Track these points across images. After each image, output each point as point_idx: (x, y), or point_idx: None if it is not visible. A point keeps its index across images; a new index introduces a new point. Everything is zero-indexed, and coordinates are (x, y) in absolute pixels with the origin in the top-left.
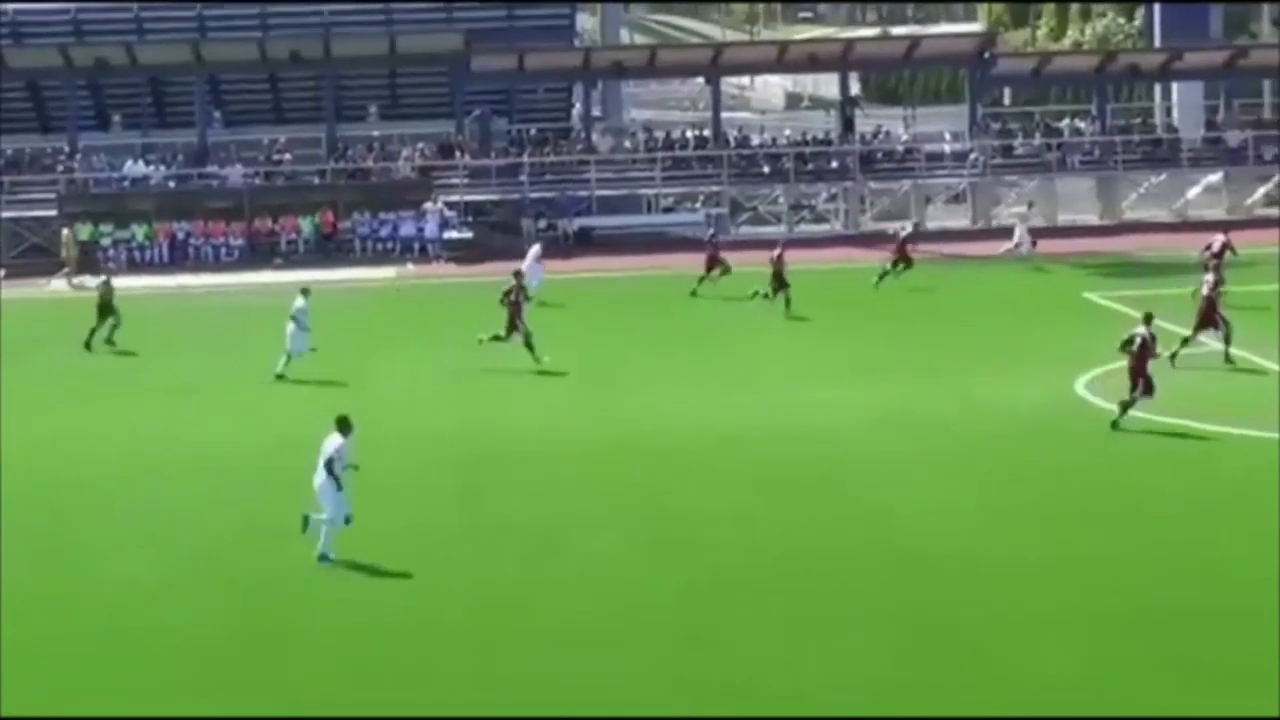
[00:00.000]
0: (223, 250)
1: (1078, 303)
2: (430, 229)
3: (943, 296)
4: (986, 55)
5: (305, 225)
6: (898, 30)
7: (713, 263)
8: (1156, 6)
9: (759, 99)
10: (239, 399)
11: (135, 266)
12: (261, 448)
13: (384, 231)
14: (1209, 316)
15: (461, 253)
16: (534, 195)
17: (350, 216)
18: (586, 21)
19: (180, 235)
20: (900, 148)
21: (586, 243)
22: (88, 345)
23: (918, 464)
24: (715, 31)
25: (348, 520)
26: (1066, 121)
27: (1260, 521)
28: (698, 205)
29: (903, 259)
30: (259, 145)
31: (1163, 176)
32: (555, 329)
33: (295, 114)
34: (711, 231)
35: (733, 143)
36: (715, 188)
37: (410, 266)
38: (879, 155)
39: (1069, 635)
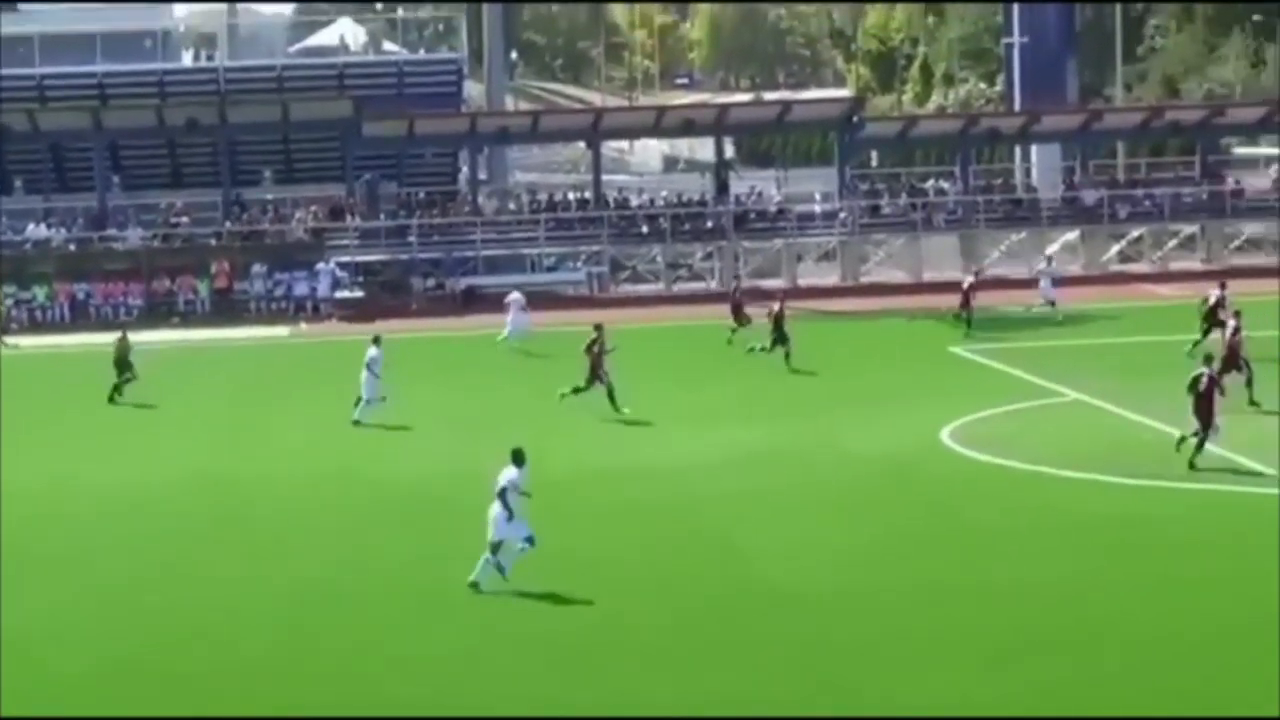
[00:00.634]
0: (122, 309)
1: (943, 356)
2: (322, 288)
3: (816, 348)
4: (855, 119)
5: (201, 286)
6: (770, 96)
7: (738, 312)
8: (1016, 71)
9: (638, 162)
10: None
11: (36, 326)
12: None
13: (278, 291)
14: (1233, 360)
15: (352, 311)
16: (422, 255)
17: (246, 276)
18: (473, 89)
19: (80, 295)
20: (773, 208)
21: (473, 301)
22: (111, 399)
23: (785, 502)
24: (596, 98)
25: (530, 541)
26: (931, 182)
27: (1102, 557)
28: (579, 264)
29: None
30: (157, 208)
31: (1022, 235)
32: (447, 382)
33: (192, 178)
34: (735, 284)
35: (613, 204)
36: (596, 247)
37: (303, 325)
38: (752, 215)
39: (930, 665)
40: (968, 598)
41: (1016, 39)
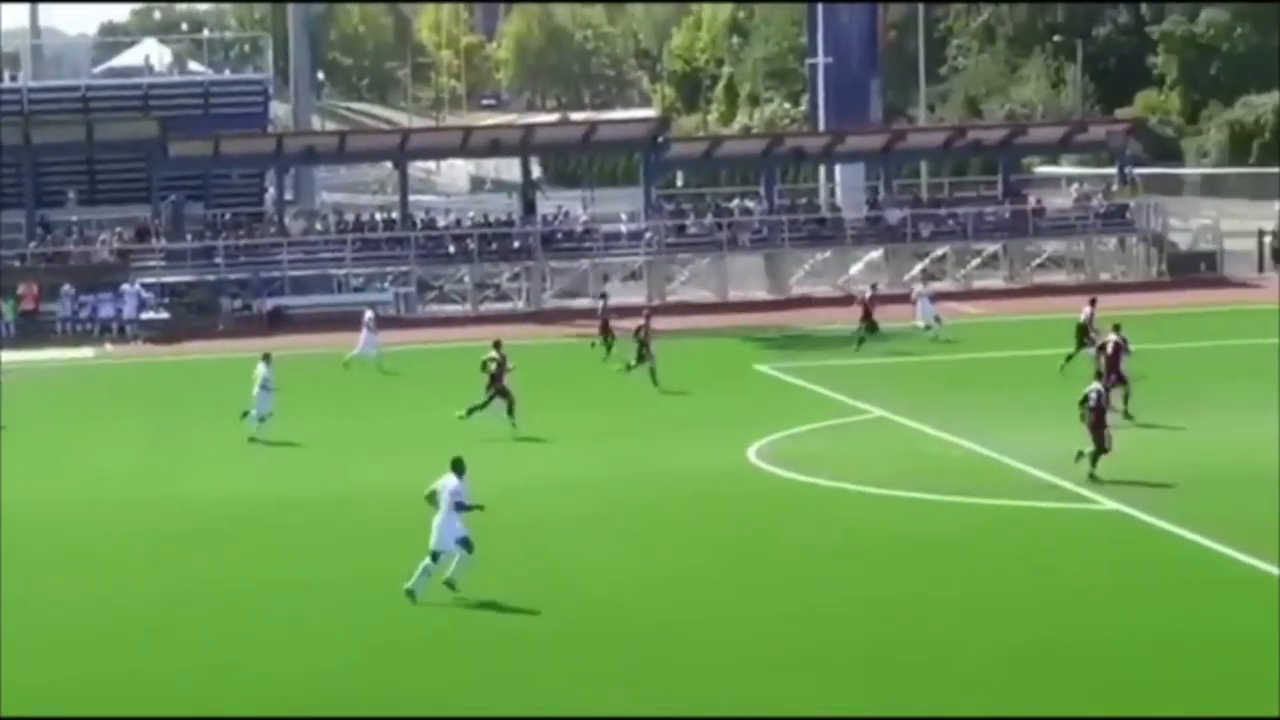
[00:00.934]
0: None
1: (749, 374)
2: (128, 310)
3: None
4: (660, 139)
5: (7, 308)
6: (576, 116)
7: (605, 329)
8: (820, 92)
9: (445, 182)
10: None
11: None
12: None
13: (84, 313)
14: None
15: (158, 333)
16: (229, 276)
17: (54, 298)
18: (279, 109)
19: None
20: (579, 228)
21: (280, 322)
22: None
23: (593, 526)
24: (403, 118)
25: (468, 544)
26: (736, 202)
27: (907, 575)
28: (386, 285)
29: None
30: None
31: (827, 254)
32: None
33: None
34: (603, 301)
35: (419, 224)
36: (403, 268)
37: (109, 347)
38: (559, 235)
39: (743, 681)
40: (777, 619)
41: (820, 59)
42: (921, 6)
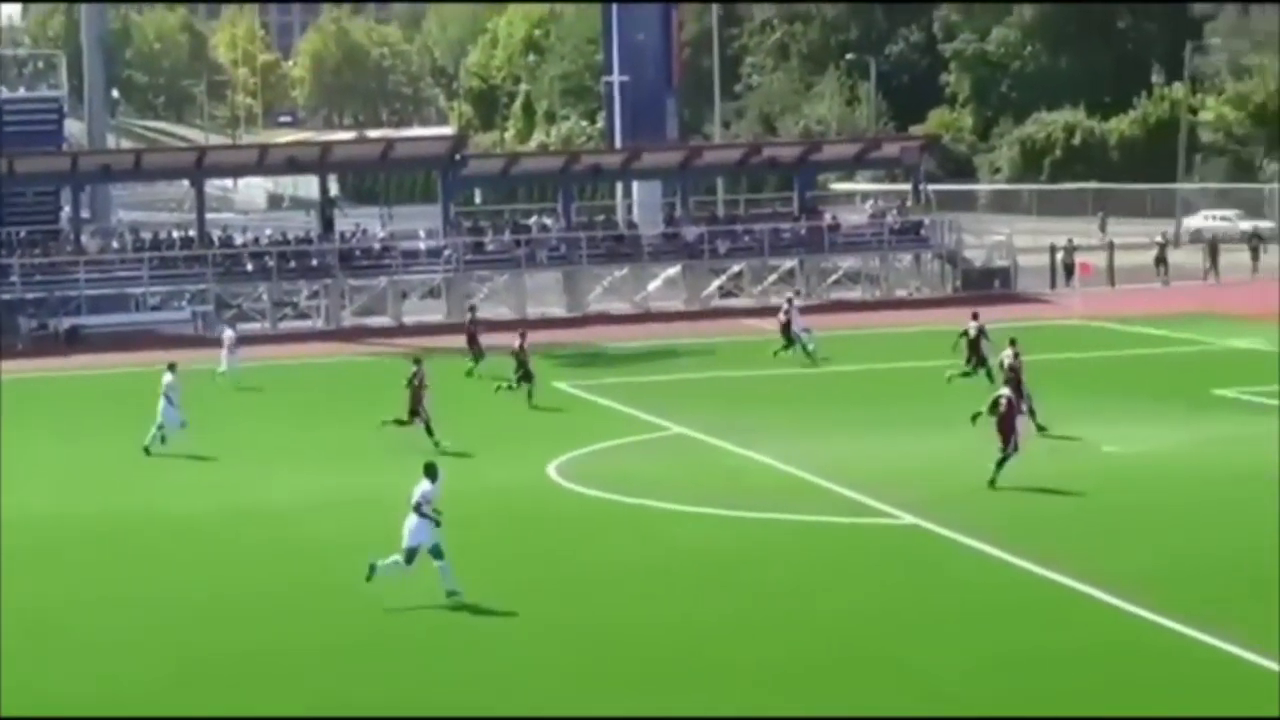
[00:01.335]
0: None
1: (549, 391)
2: None
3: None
4: (457, 157)
5: None
6: (373, 134)
7: (473, 342)
8: (617, 109)
9: (242, 200)
10: None
11: None
12: None
13: None
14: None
15: None
16: (26, 296)
17: None
18: (74, 127)
19: None
20: (378, 246)
21: (77, 341)
22: None
23: (392, 541)
24: (199, 136)
25: (437, 553)
26: (534, 219)
27: (705, 591)
28: (184, 303)
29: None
30: None
31: (625, 271)
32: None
33: None
34: (470, 313)
35: (217, 242)
36: (201, 286)
37: None
38: (358, 253)
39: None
40: (578, 634)
41: (616, 77)
42: (715, 24)
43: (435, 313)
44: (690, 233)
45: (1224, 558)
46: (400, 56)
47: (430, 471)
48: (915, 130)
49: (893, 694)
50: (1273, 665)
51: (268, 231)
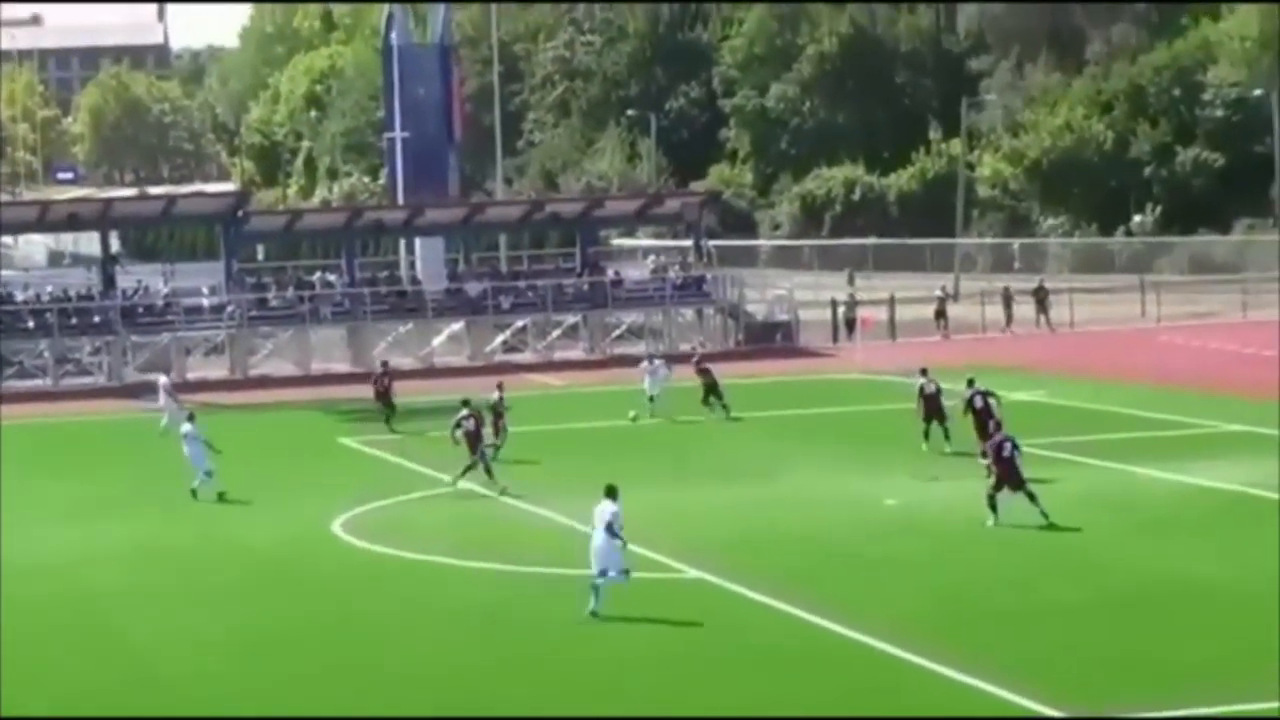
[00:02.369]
0: None
1: (334, 447)
2: None
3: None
4: (240, 213)
5: None
6: (155, 190)
7: (382, 395)
8: (399, 165)
9: (21, 257)
10: None
11: None
12: None
13: None
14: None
15: None
16: None
17: None
18: None
19: None
20: (160, 302)
21: None
22: None
23: (174, 597)
24: None
25: (627, 574)
26: (318, 275)
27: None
28: None
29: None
30: None
31: (409, 326)
32: None
33: None
34: (383, 367)
35: None
36: None
37: None
38: (140, 309)
39: None
40: (360, 686)
41: (398, 133)
42: (496, 79)
43: (219, 369)
44: (473, 288)
45: (989, 605)
46: (181, 112)
47: (611, 493)
48: (696, 186)
49: None
50: (1025, 702)
51: (49, 288)
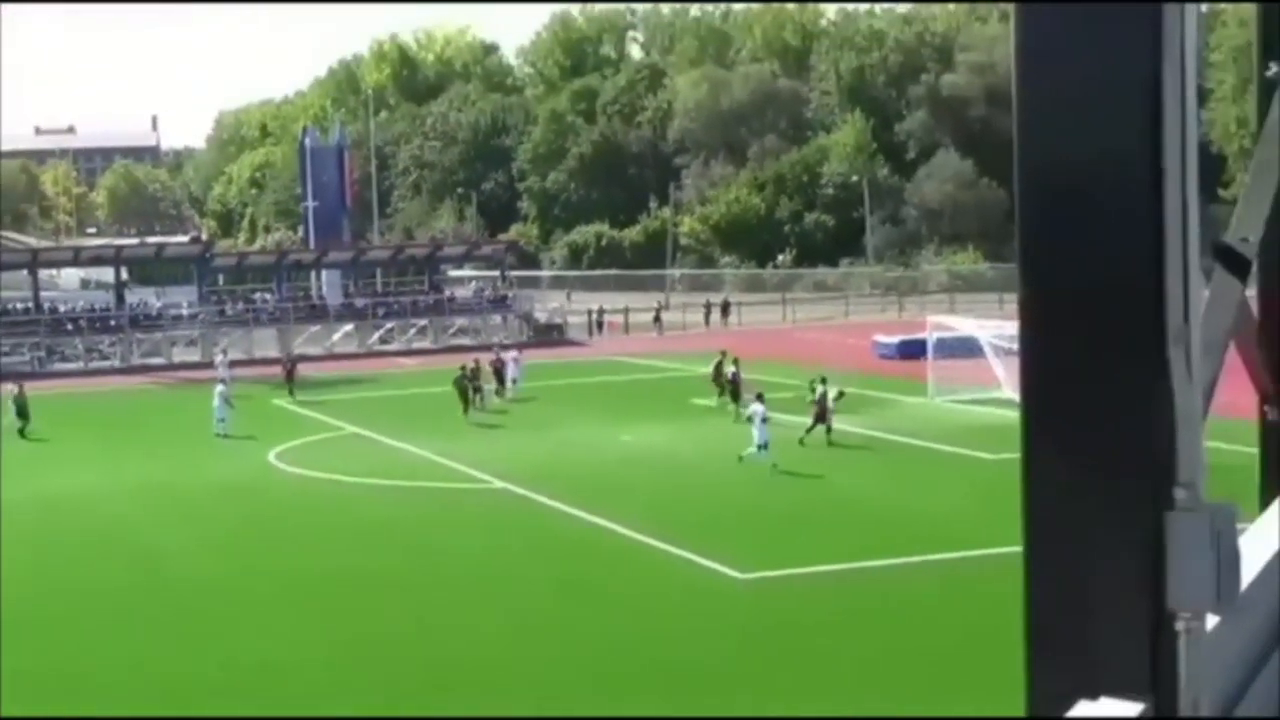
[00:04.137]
0: None
1: (271, 408)
2: None
3: (173, 408)
4: (207, 255)
5: None
6: (150, 239)
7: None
8: (311, 223)
9: (64, 283)
10: None
11: None
12: None
13: None
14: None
15: None
16: None
17: None
18: None
19: None
20: (155, 312)
21: None
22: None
23: (162, 515)
24: (32, 240)
25: (765, 447)
26: (258, 295)
27: (390, 544)
28: (25, 350)
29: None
30: None
31: (318, 327)
32: None
33: None
34: (290, 353)
35: (47, 310)
36: (36, 338)
37: None
38: (141, 317)
39: (261, 620)
40: (307, 580)
41: (310, 202)
42: (374, 169)
43: (194, 355)
44: (360, 302)
45: (704, 506)
46: (168, 189)
47: (760, 397)
48: (502, 237)
49: (481, 606)
50: (719, 566)
51: (80, 304)
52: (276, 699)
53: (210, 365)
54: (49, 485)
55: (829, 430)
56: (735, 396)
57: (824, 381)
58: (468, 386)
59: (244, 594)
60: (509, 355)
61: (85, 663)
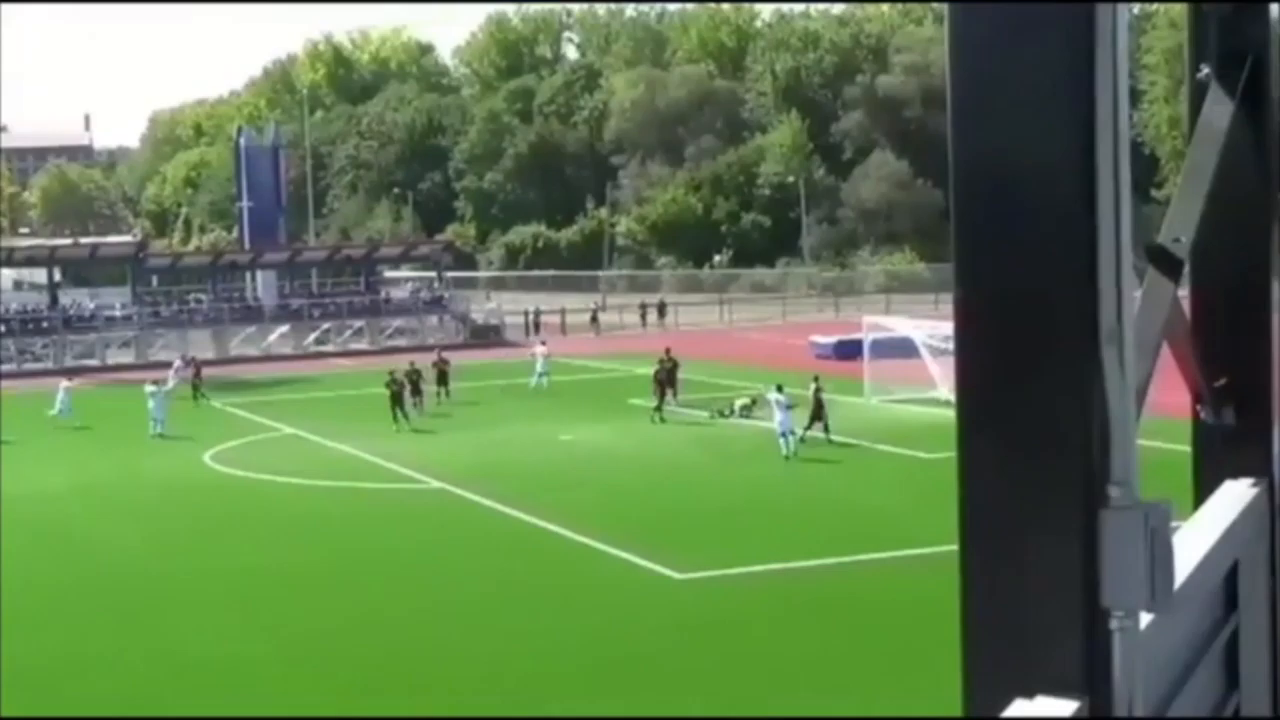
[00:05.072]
0: None
1: (205, 408)
2: None
3: (110, 409)
4: (141, 255)
5: None
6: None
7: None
8: (246, 224)
9: None
10: None
11: None
12: None
13: None
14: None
15: None
16: None
17: None
18: None
19: None
20: (89, 313)
21: None
22: None
23: (105, 512)
24: None
25: (790, 434)
26: (193, 296)
27: (294, 536)
28: None
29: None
30: None
31: (254, 328)
32: None
33: None
34: (192, 359)
35: None
36: None
37: None
38: (76, 318)
39: (212, 608)
40: (242, 577)
41: (245, 203)
42: (309, 167)
43: (129, 356)
44: (296, 303)
45: (643, 506)
46: (101, 189)
47: (780, 389)
48: (439, 237)
49: (408, 597)
50: (656, 566)
51: (14, 305)
52: (212, 695)
53: (144, 367)
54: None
55: (826, 429)
56: (662, 394)
57: (816, 380)
58: (399, 392)
59: (181, 590)
60: (538, 349)
61: (22, 655)
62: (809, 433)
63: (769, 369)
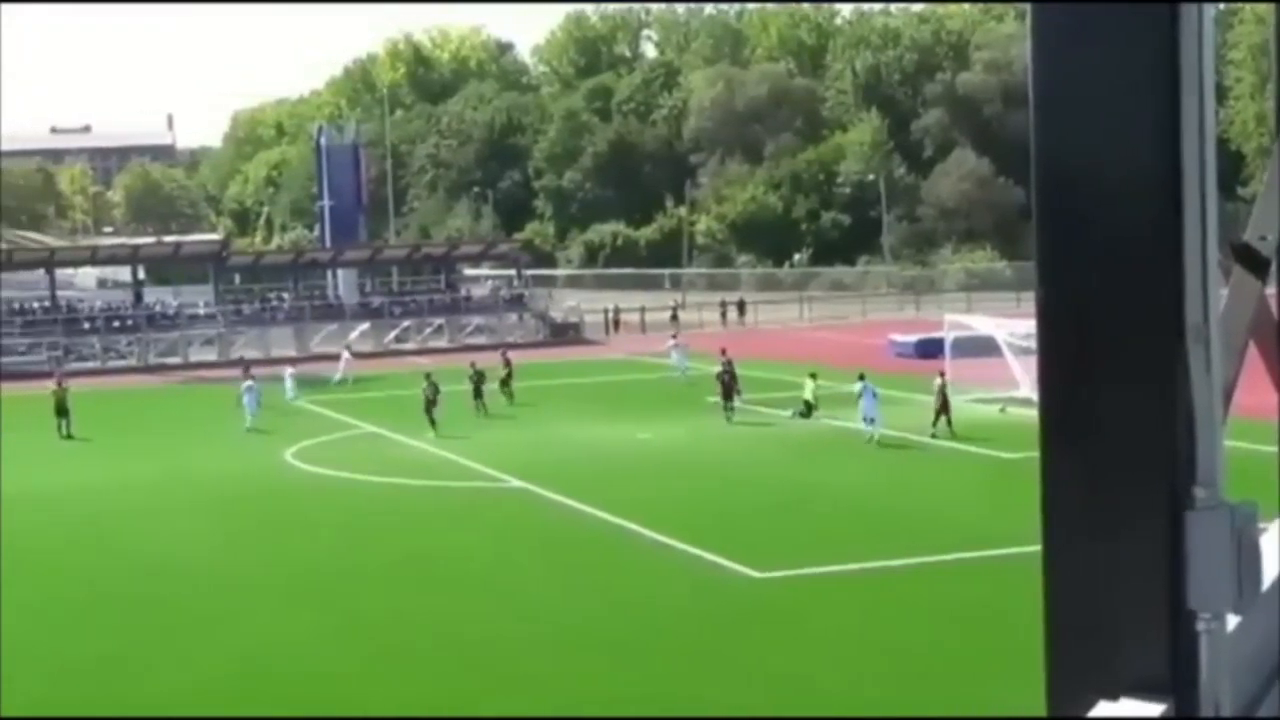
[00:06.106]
0: None
1: (289, 408)
2: None
3: (187, 406)
4: (223, 254)
5: None
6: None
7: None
8: (327, 223)
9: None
10: None
11: None
12: None
13: None
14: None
15: None
16: None
17: None
18: None
19: None
20: (172, 311)
21: None
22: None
23: (180, 510)
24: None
25: (873, 421)
26: (274, 294)
27: (380, 534)
28: (42, 350)
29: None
30: None
31: (335, 326)
32: None
33: None
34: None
35: (65, 310)
36: (53, 338)
37: None
38: (160, 317)
39: (267, 606)
40: (321, 573)
41: (326, 201)
42: (390, 166)
43: (211, 354)
44: (376, 301)
45: (721, 504)
46: (184, 189)
47: (862, 377)
48: (518, 236)
49: (477, 597)
50: (736, 565)
51: (98, 303)
52: (287, 695)
53: (226, 365)
54: (88, 478)
55: (949, 422)
56: (728, 395)
57: (941, 375)
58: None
59: (258, 588)
60: (670, 343)
61: (108, 646)
62: (934, 428)
63: (844, 368)
